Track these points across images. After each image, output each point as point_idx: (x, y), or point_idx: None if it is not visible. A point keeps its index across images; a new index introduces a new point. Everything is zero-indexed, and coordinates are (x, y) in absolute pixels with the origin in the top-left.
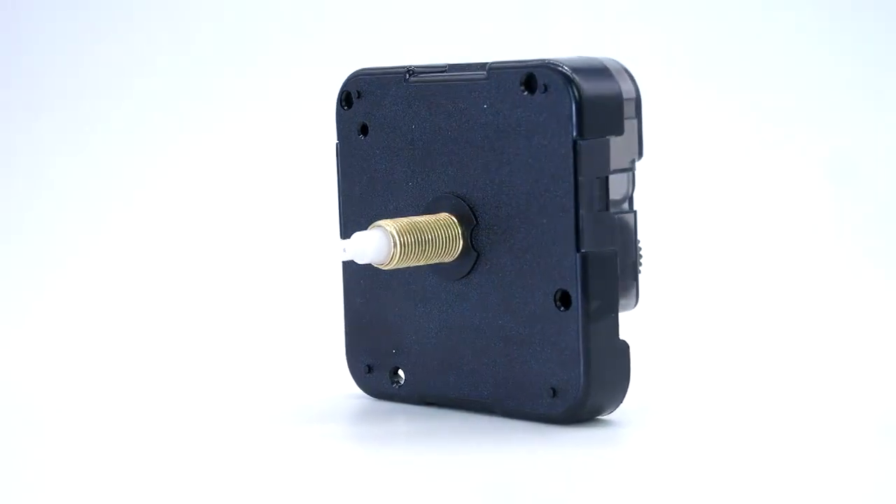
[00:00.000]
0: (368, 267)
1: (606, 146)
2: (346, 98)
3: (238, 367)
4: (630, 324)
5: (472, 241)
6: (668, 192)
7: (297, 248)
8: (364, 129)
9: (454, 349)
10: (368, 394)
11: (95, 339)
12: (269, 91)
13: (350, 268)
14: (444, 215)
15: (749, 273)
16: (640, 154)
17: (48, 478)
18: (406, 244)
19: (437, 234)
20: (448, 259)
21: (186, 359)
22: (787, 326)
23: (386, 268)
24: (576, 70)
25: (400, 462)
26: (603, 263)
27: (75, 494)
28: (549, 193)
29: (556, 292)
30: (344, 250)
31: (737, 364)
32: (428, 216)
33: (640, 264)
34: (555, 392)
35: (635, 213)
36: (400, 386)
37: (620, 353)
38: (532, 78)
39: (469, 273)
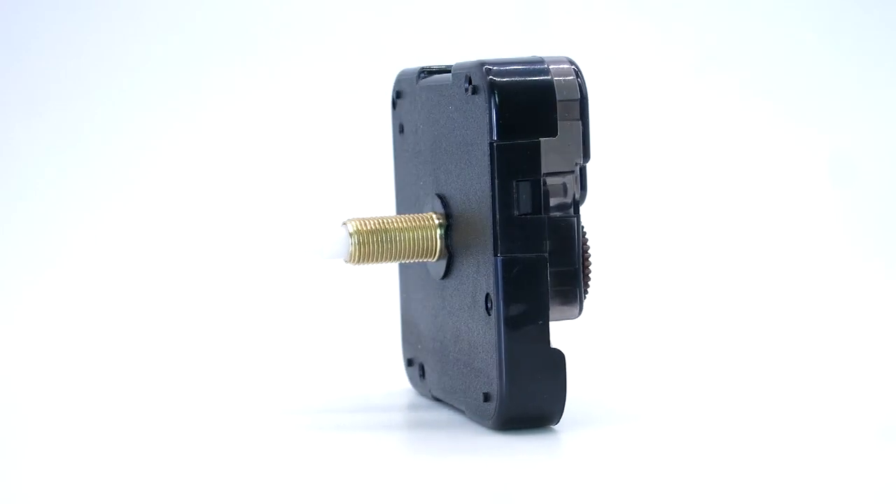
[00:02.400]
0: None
1: (534, 148)
2: (393, 98)
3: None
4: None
5: (447, 242)
6: (667, 193)
7: None
8: (402, 128)
9: (442, 349)
10: (412, 386)
11: (112, 337)
12: (275, 88)
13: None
14: (427, 215)
15: (749, 273)
16: (586, 157)
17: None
18: (365, 242)
19: (409, 235)
20: (431, 258)
21: (223, 356)
22: (786, 327)
23: (353, 265)
24: (505, 70)
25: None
26: (527, 269)
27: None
28: (481, 196)
29: (486, 297)
30: (298, 245)
31: (736, 367)
32: (407, 216)
33: (588, 271)
34: (486, 397)
35: (577, 218)
36: (422, 381)
37: (552, 362)
38: (469, 79)
39: (446, 274)
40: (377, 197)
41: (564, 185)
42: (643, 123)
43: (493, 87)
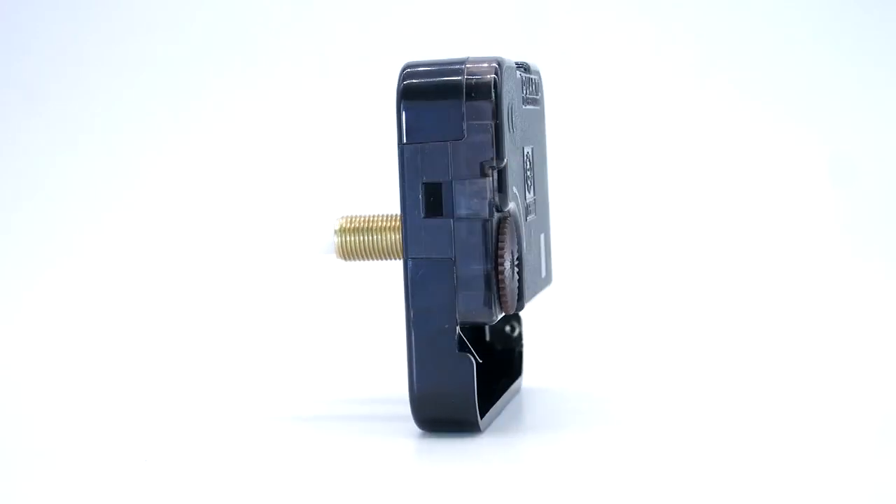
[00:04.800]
0: None
1: (439, 151)
2: None
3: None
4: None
5: None
6: (668, 193)
7: None
8: None
9: None
10: None
11: (119, 340)
12: (280, 88)
13: None
14: None
15: (749, 273)
16: (500, 159)
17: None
18: (348, 241)
19: (394, 235)
20: None
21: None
22: (785, 327)
23: (345, 261)
24: (420, 73)
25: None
26: (432, 272)
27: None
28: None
29: None
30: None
31: (734, 368)
32: (395, 215)
33: (502, 275)
34: (409, 398)
35: (491, 221)
36: None
37: (460, 368)
38: None
39: None
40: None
41: (477, 187)
42: (645, 124)
43: (403, 90)
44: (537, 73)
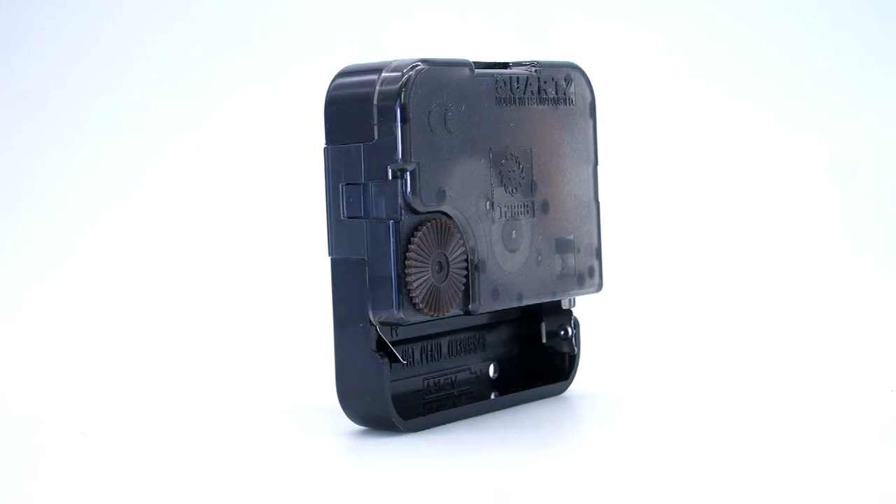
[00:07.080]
0: None
1: (354, 153)
2: None
3: None
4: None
5: None
6: (669, 193)
7: None
8: None
9: None
10: None
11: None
12: (265, 89)
13: None
14: None
15: (748, 274)
16: (407, 160)
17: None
18: None
19: None
20: None
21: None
22: (786, 326)
23: None
24: (344, 82)
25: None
26: (349, 272)
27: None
28: None
29: None
30: None
31: (733, 366)
32: None
33: (408, 277)
34: None
35: (398, 223)
36: None
37: (373, 367)
38: None
39: None
40: None
41: (386, 189)
42: (647, 126)
43: (328, 95)
44: (571, 69)
